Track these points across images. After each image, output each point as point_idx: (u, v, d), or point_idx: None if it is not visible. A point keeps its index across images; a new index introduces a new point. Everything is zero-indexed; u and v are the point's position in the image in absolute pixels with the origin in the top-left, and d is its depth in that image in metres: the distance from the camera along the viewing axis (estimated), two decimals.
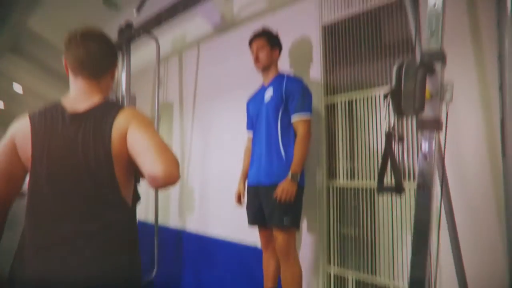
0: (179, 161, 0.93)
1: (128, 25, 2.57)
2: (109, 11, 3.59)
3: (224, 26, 2.81)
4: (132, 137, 0.93)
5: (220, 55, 2.88)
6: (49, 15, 3.79)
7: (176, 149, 3.34)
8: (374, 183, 1.82)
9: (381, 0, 1.84)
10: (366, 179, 1.86)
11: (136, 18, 2.64)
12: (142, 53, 3.91)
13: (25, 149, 0.97)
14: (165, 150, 0.90)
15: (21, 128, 0.99)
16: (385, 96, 1.02)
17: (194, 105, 3.15)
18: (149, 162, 0.88)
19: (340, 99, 2.00)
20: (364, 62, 1.92)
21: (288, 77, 1.95)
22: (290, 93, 1.85)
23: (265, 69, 1.99)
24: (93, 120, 0.96)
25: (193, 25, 3.21)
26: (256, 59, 1.97)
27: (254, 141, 2.02)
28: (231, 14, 2.76)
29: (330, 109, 2.06)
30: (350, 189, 1.94)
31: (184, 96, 3.31)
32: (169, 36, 3.54)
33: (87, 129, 0.95)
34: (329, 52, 2.08)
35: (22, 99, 7.44)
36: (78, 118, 0.97)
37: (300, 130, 1.81)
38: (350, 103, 1.95)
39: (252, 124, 2.09)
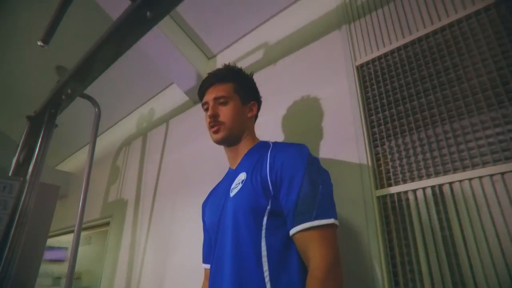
0: None
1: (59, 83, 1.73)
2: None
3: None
4: None
5: (194, 132, 1.99)
6: None
7: (121, 278, 2.14)
8: None
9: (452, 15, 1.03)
10: None
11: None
12: (104, 141, 3.09)
13: None
14: None
15: None
16: None
17: (152, 207, 2.10)
18: None
19: (411, 187, 0.99)
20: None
21: (276, 146, 0.95)
22: (284, 175, 0.83)
23: (231, 140, 1.01)
24: None
25: (163, 97, 2.45)
26: (214, 121, 0.98)
27: (213, 278, 0.90)
28: None
29: (394, 204, 1.02)
30: None
31: (142, 192, 2.28)
32: (134, 114, 2.76)
33: None
34: (373, 105, 1.17)
35: None
36: None
37: (316, 255, 0.73)
38: (440, 191, 0.94)
39: (210, 249, 1.01)
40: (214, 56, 2.05)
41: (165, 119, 2.28)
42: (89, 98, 1.79)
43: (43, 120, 1.89)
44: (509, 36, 0.94)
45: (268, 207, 0.83)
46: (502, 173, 0.84)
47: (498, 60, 0.94)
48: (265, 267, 0.78)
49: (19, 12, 2.39)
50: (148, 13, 1.15)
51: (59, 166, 3.93)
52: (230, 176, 1.02)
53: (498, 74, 0.93)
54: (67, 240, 3.15)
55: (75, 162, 3.65)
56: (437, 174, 0.96)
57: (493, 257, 0.80)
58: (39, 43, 1.26)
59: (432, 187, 0.95)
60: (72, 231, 2.95)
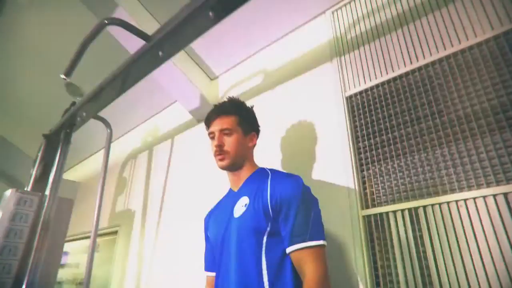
0: None
1: (73, 104, 1.89)
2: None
3: (205, 112, 2.15)
4: None
5: (199, 150, 2.14)
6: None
7: None
8: None
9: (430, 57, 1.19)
10: None
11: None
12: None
13: None
14: None
15: None
16: None
17: (159, 219, 2.25)
18: None
19: (392, 209, 1.15)
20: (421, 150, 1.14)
21: (275, 174, 1.11)
22: (283, 203, 0.99)
23: (234, 166, 1.17)
24: None
25: (168, 114, 2.60)
26: (219, 151, 1.14)
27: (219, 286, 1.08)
28: (216, 96, 2.14)
29: (377, 223, 1.18)
30: None
31: (149, 204, 2.43)
32: (140, 129, 2.91)
33: None
34: (361, 138, 1.32)
35: None
36: None
37: (310, 270, 0.90)
38: (416, 213, 1.09)
39: (213, 260, 1.18)
40: (217, 77, 2.21)
41: (171, 135, 2.43)
42: (102, 119, 1.94)
43: (59, 139, 2.04)
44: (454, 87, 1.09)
45: (268, 229, 0.99)
46: (465, 200, 1.00)
47: (454, 103, 1.10)
48: (265, 278, 0.95)
49: (26, 28, 2.53)
50: (160, 53, 1.31)
51: (65, 175, 4.06)
52: (232, 197, 1.17)
53: (462, 112, 1.09)
54: (68, 246, 3.29)
55: (81, 171, 3.79)
56: (413, 198, 1.11)
57: (456, 269, 0.96)
58: (62, 76, 1.40)
59: (409, 209, 1.11)
60: (79, 239, 3.10)
